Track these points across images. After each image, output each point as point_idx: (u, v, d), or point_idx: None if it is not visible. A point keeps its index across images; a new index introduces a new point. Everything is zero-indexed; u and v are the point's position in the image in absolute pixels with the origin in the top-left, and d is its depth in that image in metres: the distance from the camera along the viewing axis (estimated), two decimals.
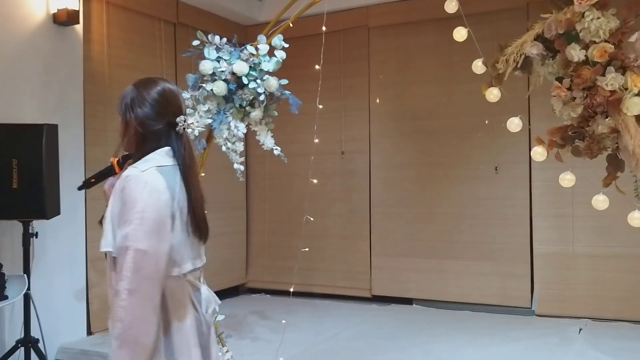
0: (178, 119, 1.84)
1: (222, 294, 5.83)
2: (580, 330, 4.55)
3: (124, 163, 1.93)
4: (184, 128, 1.85)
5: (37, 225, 3.76)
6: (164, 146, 1.82)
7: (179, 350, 1.76)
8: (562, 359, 3.91)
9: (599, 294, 4.90)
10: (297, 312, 5.22)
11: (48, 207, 3.55)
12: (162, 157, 1.80)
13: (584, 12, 2.42)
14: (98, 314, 4.58)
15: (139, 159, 1.80)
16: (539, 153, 2.72)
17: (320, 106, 3.37)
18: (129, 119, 1.82)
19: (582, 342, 4.22)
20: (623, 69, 2.40)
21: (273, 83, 3.25)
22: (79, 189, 1.99)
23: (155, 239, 1.68)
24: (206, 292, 1.90)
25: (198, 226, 1.82)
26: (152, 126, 1.81)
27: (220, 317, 3.42)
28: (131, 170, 1.75)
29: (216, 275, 5.77)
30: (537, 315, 5.09)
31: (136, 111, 1.81)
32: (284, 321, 4.26)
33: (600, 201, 2.57)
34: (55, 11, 4.21)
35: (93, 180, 1.99)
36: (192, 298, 1.84)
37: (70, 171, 4.28)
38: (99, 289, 4.61)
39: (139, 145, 1.84)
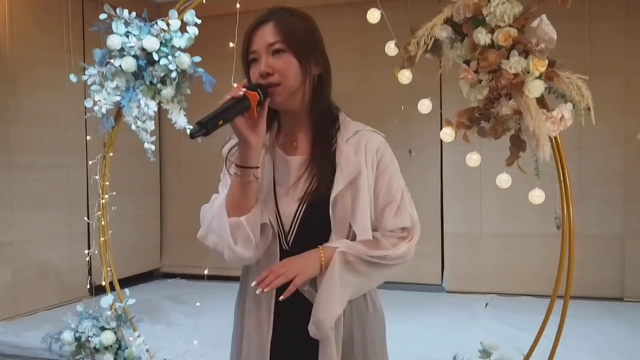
0: None
1: (134, 279, 5.68)
2: (486, 304, 4.78)
3: (264, 97, 1.47)
4: None
5: None
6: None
7: None
8: (470, 332, 4.09)
9: (504, 271, 5.16)
10: (213, 296, 5.15)
11: None
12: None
13: None
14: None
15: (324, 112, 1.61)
16: (447, 134, 2.81)
17: (235, 84, 3.29)
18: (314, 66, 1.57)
19: (488, 316, 4.45)
20: (525, 53, 2.50)
21: (185, 60, 3.15)
22: (193, 135, 1.38)
23: None
24: None
25: None
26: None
27: (131, 302, 3.31)
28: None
29: (128, 260, 5.56)
30: (447, 292, 5.30)
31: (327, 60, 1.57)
32: (198, 304, 4.20)
33: (504, 180, 2.67)
34: None
35: (221, 122, 1.43)
36: None
37: None
38: None
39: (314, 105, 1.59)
